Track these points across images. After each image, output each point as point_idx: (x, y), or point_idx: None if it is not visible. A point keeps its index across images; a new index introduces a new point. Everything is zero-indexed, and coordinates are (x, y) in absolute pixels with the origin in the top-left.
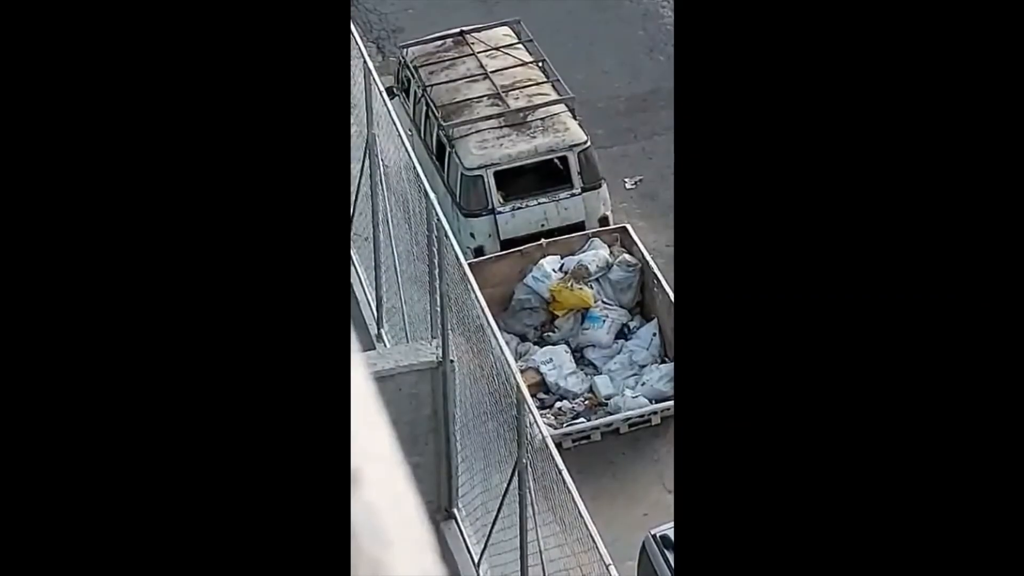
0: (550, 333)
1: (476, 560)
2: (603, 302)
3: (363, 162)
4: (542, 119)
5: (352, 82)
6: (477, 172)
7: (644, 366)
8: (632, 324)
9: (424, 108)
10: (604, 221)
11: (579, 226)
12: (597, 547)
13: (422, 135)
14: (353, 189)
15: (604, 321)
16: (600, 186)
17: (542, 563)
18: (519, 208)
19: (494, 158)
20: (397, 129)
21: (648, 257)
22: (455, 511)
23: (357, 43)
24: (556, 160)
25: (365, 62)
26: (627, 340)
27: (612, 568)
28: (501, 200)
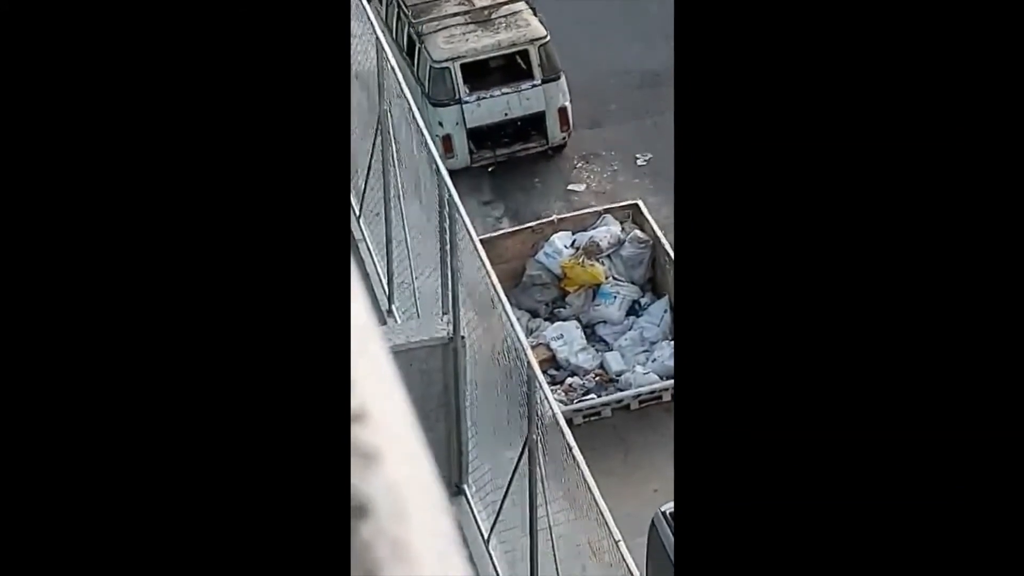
0: (561, 309)
1: (486, 536)
2: (614, 278)
3: (375, 138)
4: (505, 16)
5: (364, 57)
6: (444, 64)
7: (655, 342)
8: (643, 300)
9: (396, 9)
10: (563, 112)
11: (540, 116)
12: (607, 523)
13: (394, 35)
14: (365, 164)
15: (615, 297)
16: (559, 78)
17: (552, 539)
18: (484, 98)
19: (460, 51)
20: (408, 103)
21: (659, 233)
22: (465, 487)
23: (369, 18)
24: (517, 56)
25: (378, 38)
26: (638, 316)
27: (622, 544)
28: (467, 91)
